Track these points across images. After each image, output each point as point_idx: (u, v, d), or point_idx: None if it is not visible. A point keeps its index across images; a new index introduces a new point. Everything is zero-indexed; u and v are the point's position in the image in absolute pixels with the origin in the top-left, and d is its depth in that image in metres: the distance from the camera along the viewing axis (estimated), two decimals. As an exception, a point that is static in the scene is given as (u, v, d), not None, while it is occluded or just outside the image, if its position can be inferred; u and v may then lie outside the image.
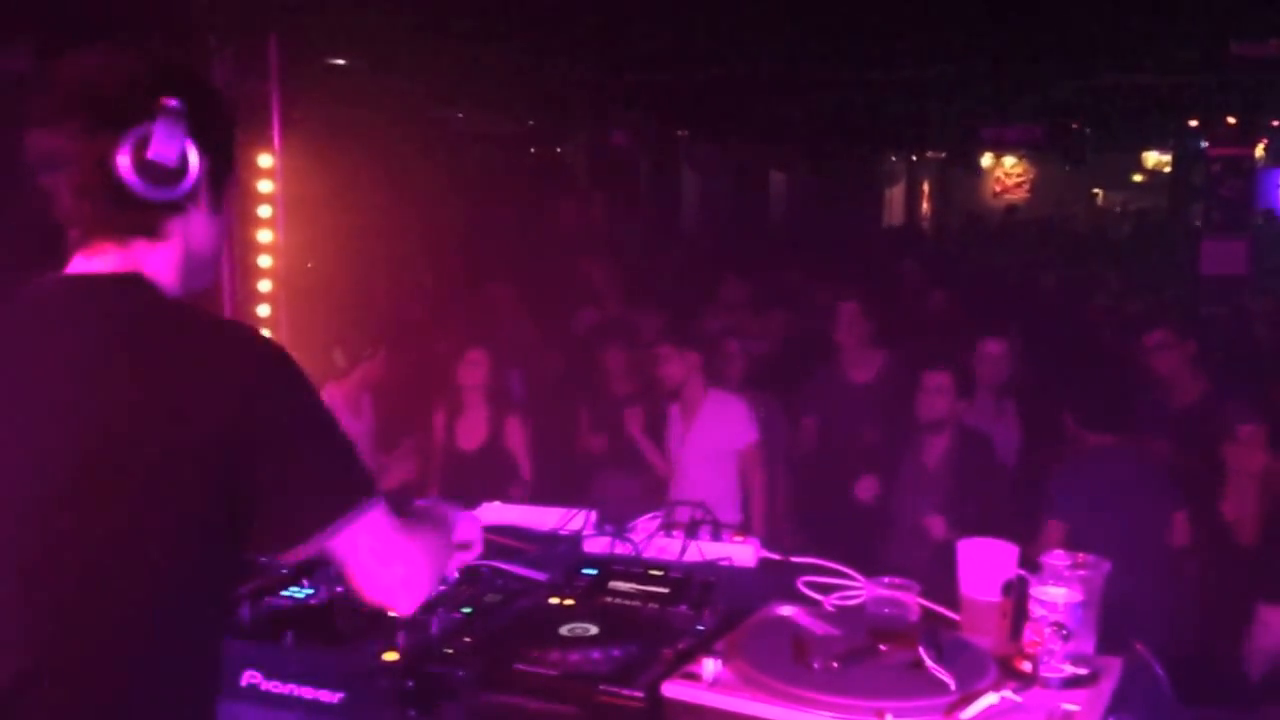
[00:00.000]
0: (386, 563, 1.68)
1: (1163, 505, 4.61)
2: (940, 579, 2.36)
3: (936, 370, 5.12)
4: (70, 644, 1.50)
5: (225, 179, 1.76)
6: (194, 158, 1.64)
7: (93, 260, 1.65)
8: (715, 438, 5.42)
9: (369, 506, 1.64)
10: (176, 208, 1.66)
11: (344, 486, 1.63)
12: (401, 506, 1.84)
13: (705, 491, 5.02)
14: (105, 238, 1.64)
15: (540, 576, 2.53)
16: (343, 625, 2.23)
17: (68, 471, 1.51)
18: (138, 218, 1.64)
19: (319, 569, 2.44)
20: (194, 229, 1.71)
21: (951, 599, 2.31)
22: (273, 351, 1.62)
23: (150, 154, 1.59)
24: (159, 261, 1.66)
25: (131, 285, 1.63)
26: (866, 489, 5.32)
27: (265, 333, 4.49)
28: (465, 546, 2.17)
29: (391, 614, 1.99)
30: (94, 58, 1.64)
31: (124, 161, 1.58)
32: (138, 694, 1.54)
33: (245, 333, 1.67)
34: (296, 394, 1.61)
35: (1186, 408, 5.48)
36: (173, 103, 1.61)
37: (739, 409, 5.49)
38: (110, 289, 1.62)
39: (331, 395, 5.79)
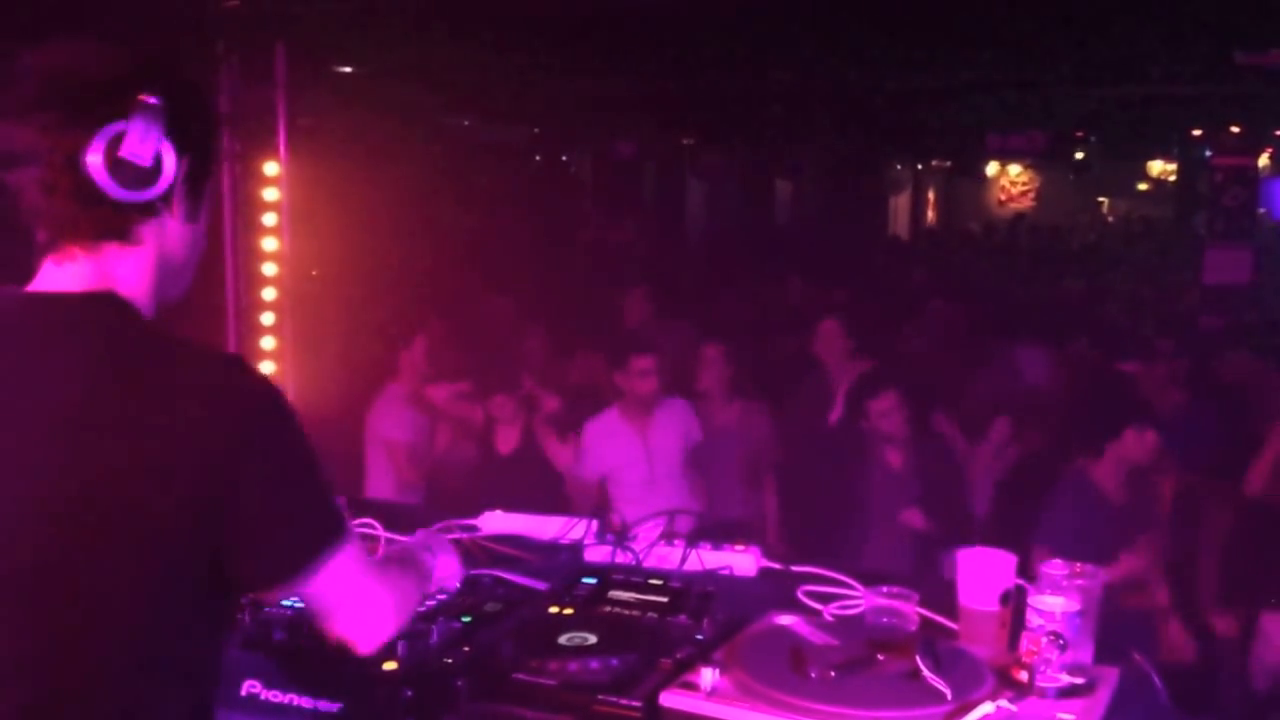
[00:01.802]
0: (352, 603, 1.66)
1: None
2: (925, 577, 2.37)
3: (879, 397, 5.16)
4: (72, 677, 1.47)
5: (204, 181, 1.66)
6: (170, 158, 1.55)
7: (62, 270, 1.56)
8: (675, 439, 5.55)
9: (339, 549, 1.61)
10: (149, 210, 1.58)
11: (315, 531, 1.60)
12: (373, 548, 1.82)
13: (677, 493, 5.20)
14: (73, 241, 1.56)
15: (540, 585, 2.54)
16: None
17: (54, 508, 1.46)
18: (108, 220, 1.55)
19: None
20: (168, 234, 1.62)
21: (936, 598, 2.32)
22: (259, 389, 1.56)
23: (123, 152, 1.50)
24: (131, 269, 1.58)
25: (106, 307, 1.55)
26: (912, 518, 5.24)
27: (258, 365, 4.49)
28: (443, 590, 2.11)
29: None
30: (70, 49, 1.56)
31: (95, 160, 1.50)
32: (139, 717, 1.53)
33: (231, 368, 1.57)
34: (280, 436, 1.56)
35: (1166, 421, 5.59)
36: (151, 99, 1.52)
37: (687, 409, 5.68)
38: (83, 312, 1.54)
39: (393, 393, 5.94)
